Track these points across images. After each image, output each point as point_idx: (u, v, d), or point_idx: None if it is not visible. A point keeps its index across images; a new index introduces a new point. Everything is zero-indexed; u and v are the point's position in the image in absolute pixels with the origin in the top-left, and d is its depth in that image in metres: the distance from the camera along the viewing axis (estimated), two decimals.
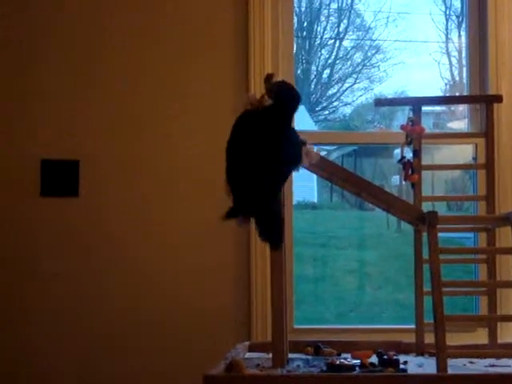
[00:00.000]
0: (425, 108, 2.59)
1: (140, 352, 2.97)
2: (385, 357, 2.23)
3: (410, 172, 2.48)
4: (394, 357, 2.22)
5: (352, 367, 2.12)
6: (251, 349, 2.49)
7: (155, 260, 2.99)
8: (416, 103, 2.53)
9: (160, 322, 2.97)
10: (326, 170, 2.21)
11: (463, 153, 3.21)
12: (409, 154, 2.54)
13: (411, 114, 2.52)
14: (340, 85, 3.93)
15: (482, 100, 2.84)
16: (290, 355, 2.32)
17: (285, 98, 2.02)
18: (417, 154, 2.51)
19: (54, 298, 2.99)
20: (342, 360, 2.19)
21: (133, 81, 3.04)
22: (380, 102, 2.75)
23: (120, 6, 3.05)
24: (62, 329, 2.98)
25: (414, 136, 2.49)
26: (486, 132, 2.57)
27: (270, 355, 2.24)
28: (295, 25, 3.25)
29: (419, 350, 2.44)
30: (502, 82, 3.00)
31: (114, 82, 3.04)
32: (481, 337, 2.69)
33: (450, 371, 2.08)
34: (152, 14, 3.05)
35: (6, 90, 3.04)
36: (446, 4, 3.56)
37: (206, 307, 2.97)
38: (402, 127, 2.51)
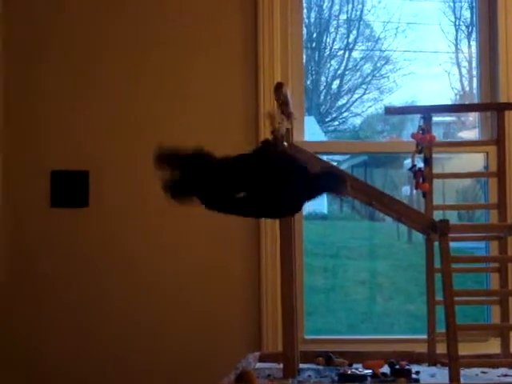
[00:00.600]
0: (435, 118, 2.58)
1: (152, 362, 2.96)
2: (397, 367, 2.22)
3: (420, 180, 2.47)
4: (406, 367, 2.22)
5: (364, 377, 2.11)
6: (262, 359, 2.48)
7: (166, 271, 2.99)
8: (426, 112, 2.53)
9: (170, 334, 2.97)
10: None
11: (473, 163, 3.20)
12: (419, 163, 2.53)
13: (422, 123, 2.51)
14: (349, 95, 3.91)
15: (493, 108, 2.83)
16: (301, 365, 2.32)
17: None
18: (428, 162, 2.50)
19: (64, 306, 2.99)
20: (353, 370, 2.18)
21: (145, 95, 3.04)
22: (390, 111, 2.74)
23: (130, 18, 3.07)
24: (72, 337, 2.99)
25: (424, 144, 2.48)
26: (497, 140, 2.56)
27: (281, 365, 2.22)
28: (304, 36, 3.25)
29: (431, 359, 2.42)
30: None
31: (125, 95, 3.04)
32: (493, 346, 2.67)
33: (462, 381, 2.06)
34: (164, 24, 3.06)
35: (17, 101, 3.04)
36: (455, 14, 3.55)
37: (217, 319, 2.96)
38: (413, 135, 2.50)
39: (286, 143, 2.09)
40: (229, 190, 1.87)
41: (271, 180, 1.82)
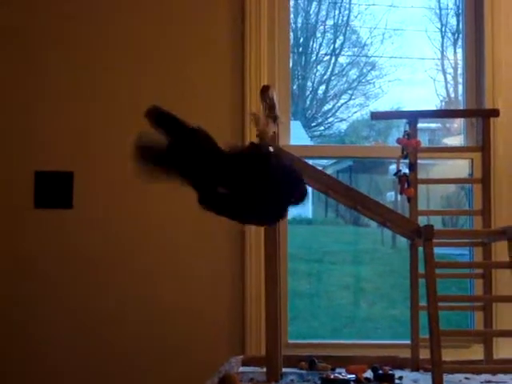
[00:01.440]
0: (420, 125, 2.59)
1: (135, 363, 2.95)
2: (380, 372, 2.22)
3: (405, 186, 2.47)
4: (390, 372, 2.22)
5: (347, 382, 2.12)
6: (245, 363, 2.48)
7: (150, 271, 2.98)
8: (412, 116, 2.53)
9: (154, 336, 2.95)
10: (323, 184, 2.20)
11: (457, 170, 3.21)
12: (404, 169, 2.53)
13: (407, 128, 2.52)
14: (335, 101, 3.92)
15: (479, 114, 2.84)
16: (284, 369, 2.31)
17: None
18: (413, 167, 2.51)
19: (49, 307, 2.97)
20: (336, 374, 2.18)
21: (128, 92, 3.03)
22: (376, 116, 2.74)
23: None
24: (59, 335, 2.97)
25: (409, 149, 2.49)
26: (482, 146, 2.57)
27: (264, 369, 2.22)
28: (291, 41, 3.25)
29: (415, 365, 2.43)
30: (498, 97, 3.00)
31: (109, 93, 3.03)
32: (476, 353, 2.67)
33: None
34: (151, 26, 3.05)
35: (0, 101, 3.03)
36: (441, 21, 3.57)
37: (200, 321, 2.95)
38: (398, 140, 2.51)
39: (270, 146, 2.07)
40: (216, 182, 1.83)
41: (263, 182, 1.79)
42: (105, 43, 3.05)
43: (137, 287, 2.97)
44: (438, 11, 3.55)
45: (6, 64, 3.04)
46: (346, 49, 3.86)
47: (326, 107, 3.96)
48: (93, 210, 2.99)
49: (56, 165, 3.00)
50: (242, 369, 2.40)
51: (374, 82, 3.77)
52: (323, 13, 3.81)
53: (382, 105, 3.78)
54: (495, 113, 2.66)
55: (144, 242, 2.99)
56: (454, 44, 3.54)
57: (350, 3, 3.69)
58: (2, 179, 3.00)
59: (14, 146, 3.02)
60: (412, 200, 2.51)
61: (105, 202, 2.99)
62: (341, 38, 3.83)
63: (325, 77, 3.89)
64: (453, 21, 3.55)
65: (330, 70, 3.88)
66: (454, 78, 3.51)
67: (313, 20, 3.85)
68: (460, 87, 3.29)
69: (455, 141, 3.37)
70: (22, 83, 3.04)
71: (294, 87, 3.77)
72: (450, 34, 3.57)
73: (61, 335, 2.97)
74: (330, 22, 3.83)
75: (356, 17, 3.73)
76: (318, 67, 3.93)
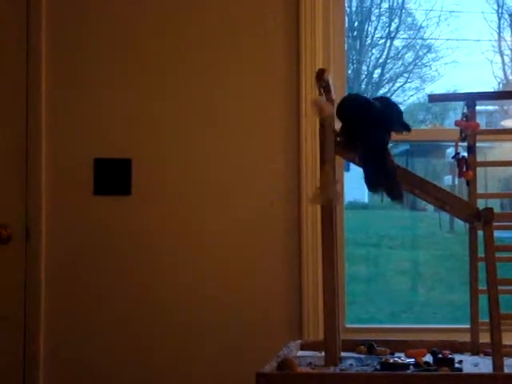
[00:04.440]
0: (477, 107, 2.55)
1: (193, 350, 2.98)
2: (439, 356, 2.19)
3: (464, 169, 2.44)
4: (449, 356, 2.19)
5: (406, 366, 2.09)
6: (303, 347, 2.47)
7: (206, 259, 3.00)
8: (471, 98, 2.49)
9: (211, 322, 2.98)
10: None
11: None
12: (462, 152, 2.50)
13: (465, 110, 2.49)
14: (391, 84, 3.90)
15: None
16: (343, 354, 2.30)
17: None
18: (471, 150, 2.47)
19: (108, 294, 3.03)
20: (395, 359, 2.16)
21: (182, 79, 3.04)
22: (434, 98, 2.70)
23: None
24: (116, 322, 3.01)
25: (468, 132, 2.45)
26: None
27: (323, 354, 2.22)
28: (346, 24, 3.23)
29: (474, 349, 2.40)
30: None
31: (168, 81, 3.05)
32: None
33: (506, 370, 2.04)
34: (201, 20, 3.06)
35: (58, 90, 3.07)
36: (498, 2, 3.52)
37: (258, 306, 2.97)
38: (457, 123, 2.48)
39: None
40: None
41: None
42: (165, 35, 3.06)
43: (195, 275, 3.00)
44: None
45: (65, 52, 3.08)
46: (401, 32, 3.84)
47: (382, 91, 3.94)
48: (151, 197, 3.02)
49: (114, 152, 3.03)
50: (300, 353, 2.40)
51: (430, 65, 3.74)
52: None
53: (439, 88, 3.75)
54: None
55: (201, 230, 3.01)
56: (511, 25, 3.49)
57: None
58: (62, 167, 3.05)
59: (74, 134, 3.06)
60: (471, 183, 2.48)
61: (162, 189, 3.02)
62: (396, 20, 3.81)
63: (380, 60, 3.87)
64: (509, 2, 3.50)
65: (385, 53, 3.86)
66: None
67: (367, 3, 3.83)
68: None
69: None
70: (82, 71, 3.08)
71: (349, 71, 3.76)
72: (506, 16, 3.53)
73: (111, 324, 3.01)
74: (385, 5, 3.81)
75: None
76: (374, 51, 3.91)
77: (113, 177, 3.03)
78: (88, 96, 3.06)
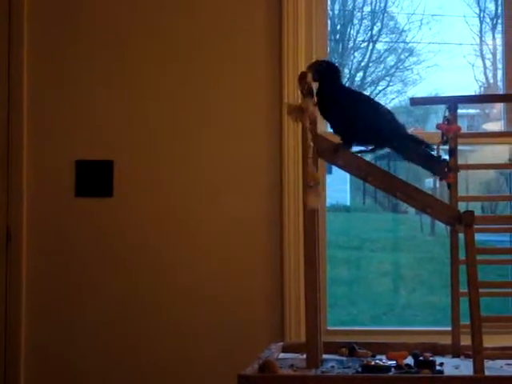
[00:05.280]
0: (459, 111, 2.56)
1: (173, 352, 2.98)
2: (421, 358, 2.20)
3: (445, 172, 2.45)
4: (430, 358, 2.20)
5: (387, 368, 2.10)
6: (285, 349, 2.47)
7: (188, 261, 3.00)
8: (452, 102, 2.51)
9: (192, 324, 2.98)
10: (362, 170, 2.20)
11: (498, 155, 3.18)
12: (444, 155, 2.51)
13: (447, 113, 2.50)
14: (373, 88, 3.91)
15: None
16: (324, 356, 2.31)
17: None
18: (453, 153, 2.48)
19: (88, 295, 3.02)
20: (377, 361, 2.17)
21: (165, 80, 3.04)
22: (416, 101, 2.72)
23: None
24: (94, 323, 3.01)
25: (450, 135, 2.47)
26: None
27: (304, 356, 2.22)
28: (329, 28, 3.23)
29: (455, 351, 2.41)
30: None
31: (149, 82, 3.05)
32: None
33: (486, 373, 2.05)
34: (187, 22, 3.06)
35: (40, 92, 3.06)
36: (480, 6, 3.54)
37: (240, 308, 2.97)
38: (438, 126, 2.49)
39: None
40: None
41: None
42: (150, 39, 3.06)
43: (175, 275, 3.00)
44: None
45: (46, 55, 3.07)
46: (383, 35, 3.84)
47: None
48: (133, 199, 3.02)
49: (96, 154, 3.03)
50: (282, 355, 2.40)
51: (411, 69, 3.75)
52: None
53: (420, 91, 3.75)
54: None
55: (182, 231, 3.01)
56: (493, 29, 3.50)
57: None
58: (43, 168, 3.04)
59: (56, 136, 3.05)
60: (452, 186, 2.49)
61: (144, 191, 3.02)
62: (378, 24, 3.82)
63: (362, 63, 3.88)
64: (491, 6, 3.51)
65: (367, 56, 3.87)
66: (493, 63, 3.48)
67: (350, 6, 3.84)
68: (499, 72, 3.26)
69: (494, 126, 3.34)
70: (61, 73, 3.07)
71: None
72: (488, 19, 3.54)
73: (97, 324, 3.00)
74: (367, 9, 3.81)
75: (393, 3, 3.71)
76: (356, 54, 3.91)
77: (94, 178, 3.02)
78: (70, 97, 3.06)
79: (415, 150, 2.25)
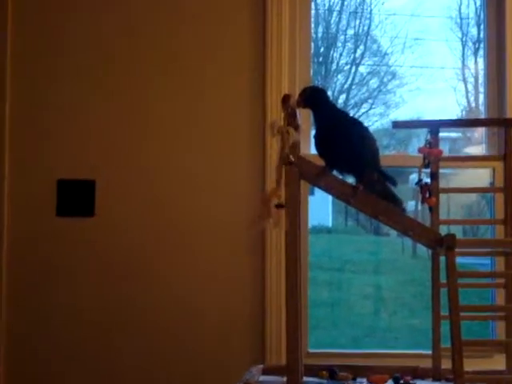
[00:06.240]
0: (441, 134, 2.58)
1: (155, 374, 2.96)
2: (401, 381, 2.21)
3: (427, 195, 2.46)
4: (411, 381, 2.20)
5: None
6: (265, 372, 2.47)
7: (171, 280, 2.99)
8: (434, 126, 2.52)
9: (173, 344, 2.96)
10: (344, 193, 2.20)
11: (478, 179, 3.19)
12: (426, 178, 2.52)
13: (429, 137, 2.51)
14: (356, 110, 3.91)
15: (501, 123, 2.83)
16: (305, 379, 2.30)
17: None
18: (434, 176, 2.50)
19: (70, 315, 3.00)
20: None
21: (148, 100, 3.04)
22: (398, 125, 2.73)
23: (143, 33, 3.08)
24: (77, 344, 2.98)
25: (431, 159, 2.48)
26: (504, 155, 2.56)
27: (285, 379, 2.21)
28: (312, 50, 3.25)
29: (436, 375, 2.41)
30: None
31: (131, 102, 3.04)
32: (498, 363, 2.65)
33: None
34: (170, 41, 3.07)
35: (21, 110, 3.05)
36: (462, 30, 3.56)
37: (221, 331, 2.96)
38: (420, 149, 2.50)
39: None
40: None
41: None
42: (126, 54, 3.07)
43: (156, 296, 2.98)
44: (458, 21, 3.54)
45: (29, 73, 3.06)
46: (366, 58, 3.86)
47: None
48: (114, 219, 3.00)
49: (78, 173, 3.01)
50: (262, 378, 2.39)
51: (394, 92, 3.76)
52: (344, 22, 3.80)
53: (403, 114, 3.76)
54: None
55: (165, 251, 3.00)
56: (475, 53, 3.52)
57: (370, 13, 3.69)
58: (24, 188, 3.02)
59: (37, 155, 3.04)
60: (434, 209, 2.50)
61: (126, 211, 3.01)
62: (361, 47, 3.83)
63: (345, 86, 3.88)
64: (473, 30, 3.54)
65: (350, 79, 3.88)
66: (475, 87, 3.50)
67: (333, 30, 3.85)
68: (481, 96, 3.28)
69: (476, 150, 3.36)
70: (44, 91, 3.06)
71: None
72: (470, 44, 3.56)
73: (79, 343, 2.98)
74: (350, 32, 3.83)
75: (377, 26, 3.73)
76: (339, 76, 3.92)
77: (76, 198, 3.01)
78: (52, 116, 3.05)
79: (381, 184, 2.25)
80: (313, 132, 2.91)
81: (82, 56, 3.06)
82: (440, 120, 2.63)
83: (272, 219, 2.10)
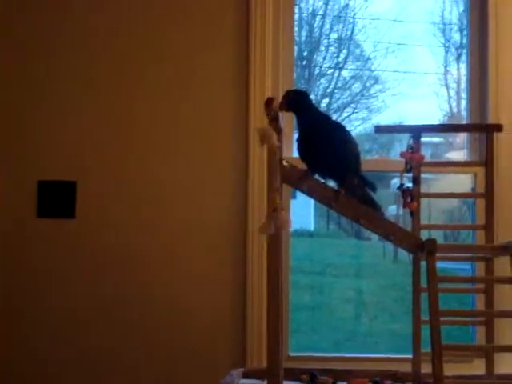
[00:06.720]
0: (423, 139, 2.59)
1: (140, 374, 2.95)
2: None
3: (408, 200, 2.47)
4: None
5: None
6: (246, 375, 2.47)
7: (153, 283, 2.98)
8: (416, 131, 2.53)
9: (153, 348, 2.95)
10: (325, 197, 2.20)
11: (459, 184, 3.21)
12: (407, 183, 2.53)
13: (411, 142, 2.52)
14: (338, 114, 3.92)
15: (484, 129, 2.84)
16: (285, 383, 2.30)
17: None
18: (416, 181, 2.50)
19: (52, 317, 2.98)
20: None
21: (130, 102, 3.04)
22: (380, 129, 2.74)
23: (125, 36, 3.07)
24: (60, 344, 2.97)
25: (413, 163, 2.49)
26: (485, 160, 2.57)
27: (265, 382, 2.21)
28: (295, 54, 3.25)
29: (416, 379, 2.41)
30: (501, 112, 3.01)
31: (113, 104, 3.04)
32: (478, 368, 2.66)
33: None
34: (154, 39, 3.06)
35: (2, 110, 3.03)
36: (445, 36, 3.57)
37: (201, 333, 2.95)
38: (402, 154, 2.51)
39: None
40: None
41: None
42: (109, 55, 3.06)
43: (138, 299, 2.97)
44: (441, 26, 3.56)
45: (9, 73, 3.04)
46: (349, 62, 3.86)
47: None
48: (95, 220, 2.99)
49: (59, 174, 3.00)
50: (242, 381, 2.39)
51: (377, 96, 3.77)
52: (327, 26, 3.81)
53: (385, 119, 3.77)
54: (499, 128, 2.66)
55: (146, 253, 2.99)
56: (457, 59, 3.54)
57: (354, 17, 3.70)
58: (4, 189, 3.00)
59: (17, 156, 3.02)
60: (415, 214, 2.51)
61: (107, 212, 3.00)
62: (344, 51, 3.84)
63: (328, 90, 3.89)
64: (456, 36, 3.55)
65: (333, 83, 3.88)
66: (457, 92, 3.51)
67: (317, 34, 3.85)
68: (463, 102, 3.30)
69: (458, 155, 3.37)
70: (24, 92, 3.05)
71: None
72: (453, 49, 3.58)
73: (62, 345, 2.97)
74: (333, 36, 3.84)
75: (360, 31, 3.73)
76: (322, 80, 3.93)
77: (57, 199, 2.99)
78: (32, 117, 3.03)
79: (361, 189, 2.26)
80: (296, 135, 2.93)
81: (66, 58, 3.05)
82: (422, 125, 2.64)
83: (278, 222, 2.10)
